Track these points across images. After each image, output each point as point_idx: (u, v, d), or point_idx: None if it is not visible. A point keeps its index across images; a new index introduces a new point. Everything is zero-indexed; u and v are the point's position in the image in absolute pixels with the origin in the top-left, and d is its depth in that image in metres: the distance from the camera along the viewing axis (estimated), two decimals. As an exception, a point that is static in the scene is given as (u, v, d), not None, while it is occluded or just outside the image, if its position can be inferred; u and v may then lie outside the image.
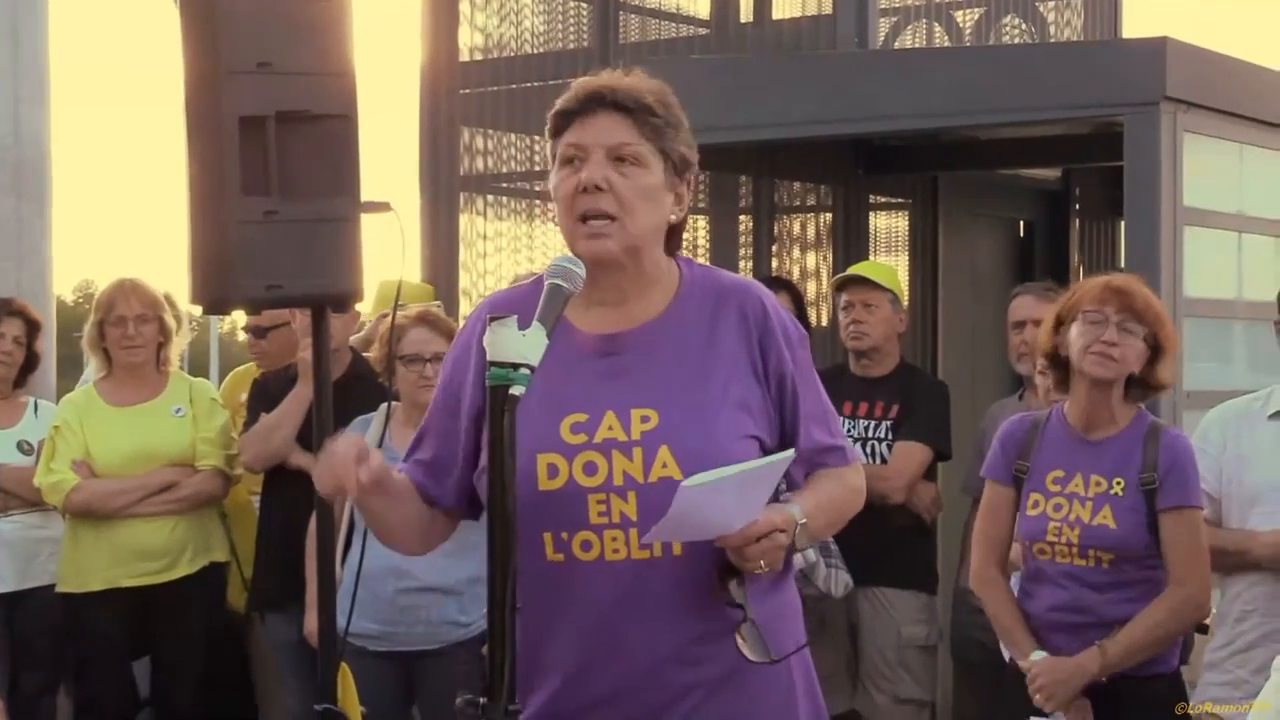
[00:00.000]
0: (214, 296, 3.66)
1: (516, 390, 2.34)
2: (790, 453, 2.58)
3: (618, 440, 2.60)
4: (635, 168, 2.62)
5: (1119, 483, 3.88)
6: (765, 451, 2.68)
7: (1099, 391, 3.93)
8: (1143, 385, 3.96)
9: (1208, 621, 4.32)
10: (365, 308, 6.33)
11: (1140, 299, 3.92)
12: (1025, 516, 3.97)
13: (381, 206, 3.74)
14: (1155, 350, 3.93)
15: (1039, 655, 3.92)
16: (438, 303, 6.18)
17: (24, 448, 5.52)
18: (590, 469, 2.60)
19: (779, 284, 6.02)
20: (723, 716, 2.64)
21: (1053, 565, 3.92)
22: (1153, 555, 3.86)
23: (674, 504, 2.46)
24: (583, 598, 2.61)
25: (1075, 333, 3.93)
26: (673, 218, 2.69)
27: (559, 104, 2.68)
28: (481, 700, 2.34)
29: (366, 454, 2.54)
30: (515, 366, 2.35)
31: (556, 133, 2.67)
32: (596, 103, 2.63)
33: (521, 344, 2.36)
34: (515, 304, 2.55)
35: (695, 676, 2.62)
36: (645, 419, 2.61)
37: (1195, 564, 3.86)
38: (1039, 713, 3.89)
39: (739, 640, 2.59)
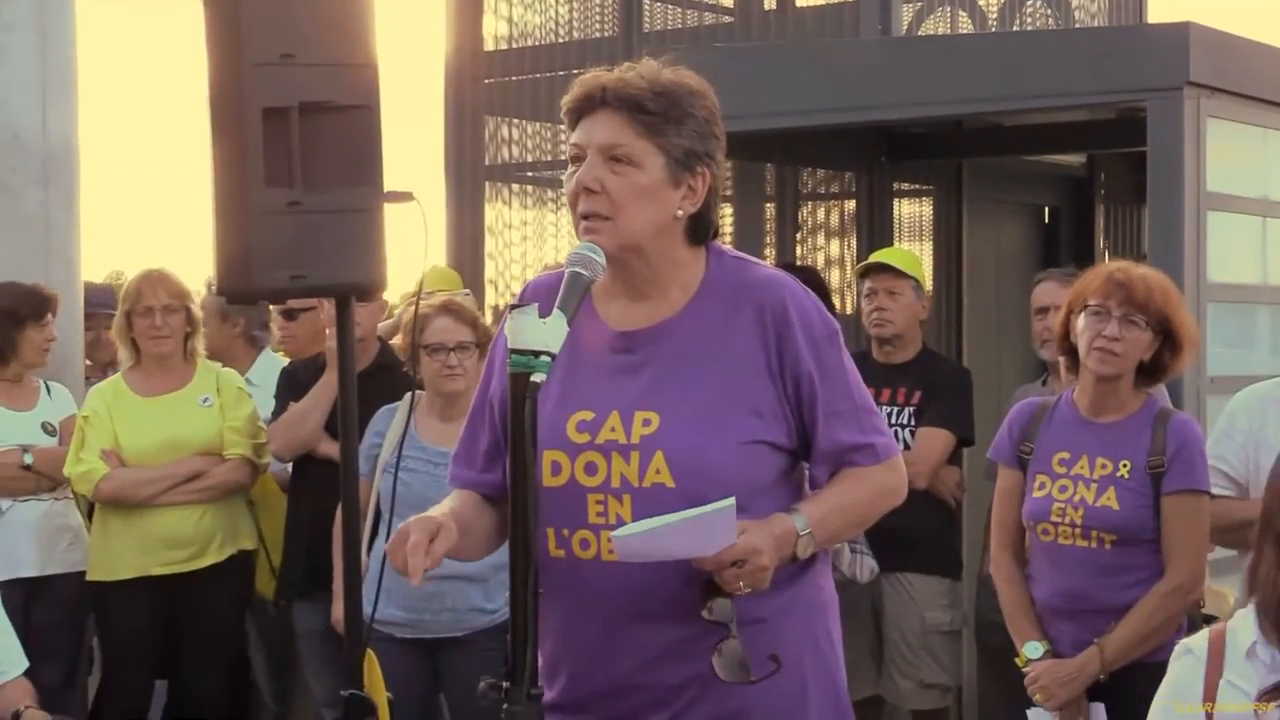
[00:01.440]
0: (238, 287, 3.68)
1: (538, 377, 2.37)
2: (730, 502, 2.52)
3: (618, 442, 2.62)
4: (629, 167, 2.62)
5: (1125, 465, 3.89)
6: (779, 453, 2.67)
7: (1105, 383, 3.94)
8: (1152, 372, 3.96)
9: (1221, 615, 4.33)
10: (396, 297, 6.37)
11: (1142, 291, 3.89)
12: (1031, 497, 4.00)
13: (404, 196, 3.75)
14: (1167, 338, 3.92)
15: (1034, 648, 3.94)
16: (466, 291, 6.19)
17: (48, 429, 5.56)
18: (591, 469, 2.63)
19: (799, 271, 6.03)
20: (722, 709, 2.64)
21: (1056, 546, 3.94)
22: (1157, 540, 3.87)
23: (615, 549, 2.49)
24: (582, 594, 2.64)
25: (1081, 325, 3.94)
26: (680, 212, 2.66)
27: (563, 103, 2.70)
28: (504, 684, 2.37)
29: (436, 534, 2.53)
30: (536, 354, 2.37)
31: (571, 128, 2.70)
32: (593, 102, 2.64)
33: (542, 331, 2.39)
34: (553, 288, 2.56)
35: (691, 671, 2.63)
36: (647, 422, 2.62)
37: (1190, 550, 3.87)
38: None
39: (714, 658, 2.58)
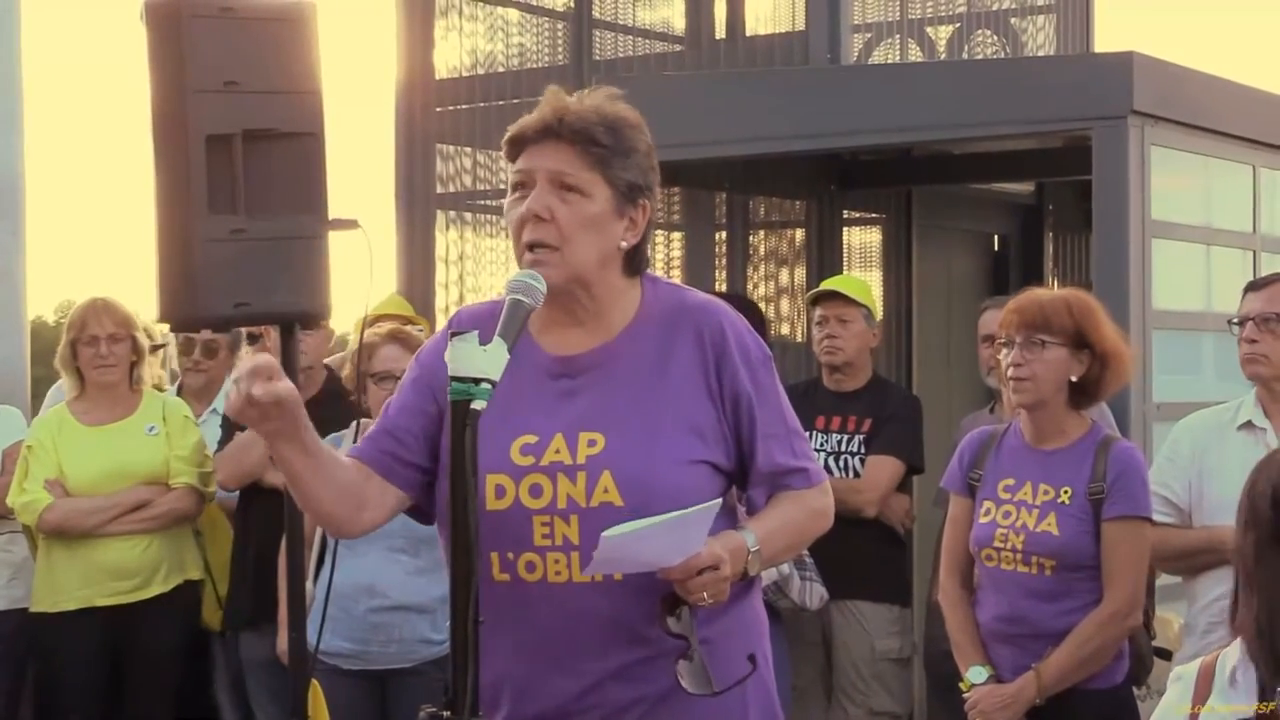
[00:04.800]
0: (181, 315, 3.66)
1: (478, 405, 2.35)
2: (716, 503, 2.56)
3: (563, 463, 2.62)
4: (578, 196, 2.63)
5: (1066, 491, 3.90)
6: (719, 475, 2.70)
7: (1036, 410, 3.96)
8: (1087, 391, 3.96)
9: (1169, 647, 4.35)
10: (349, 325, 6.33)
11: (1035, 312, 3.89)
12: (977, 524, 4.01)
13: (349, 224, 3.74)
14: (1095, 355, 3.92)
15: (977, 673, 3.94)
16: (420, 328, 6.17)
17: None
18: (536, 491, 2.63)
19: (735, 301, 6.04)
20: None
21: (999, 572, 3.95)
22: (1098, 567, 3.87)
23: (598, 550, 2.48)
24: (527, 617, 2.63)
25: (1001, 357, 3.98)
26: (624, 244, 2.69)
27: (509, 131, 2.70)
28: (445, 714, 2.36)
29: (274, 373, 2.45)
30: (476, 381, 2.36)
31: (512, 156, 2.70)
32: (542, 132, 2.65)
33: (482, 359, 2.37)
34: (482, 319, 2.56)
35: (638, 693, 2.64)
36: (592, 443, 2.63)
37: (1127, 576, 3.86)
38: None
39: (679, 672, 2.59)
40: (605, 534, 2.47)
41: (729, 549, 2.59)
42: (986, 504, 3.99)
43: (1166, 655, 4.29)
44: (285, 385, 2.46)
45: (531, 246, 2.62)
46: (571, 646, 2.63)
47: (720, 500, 2.59)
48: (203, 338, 5.75)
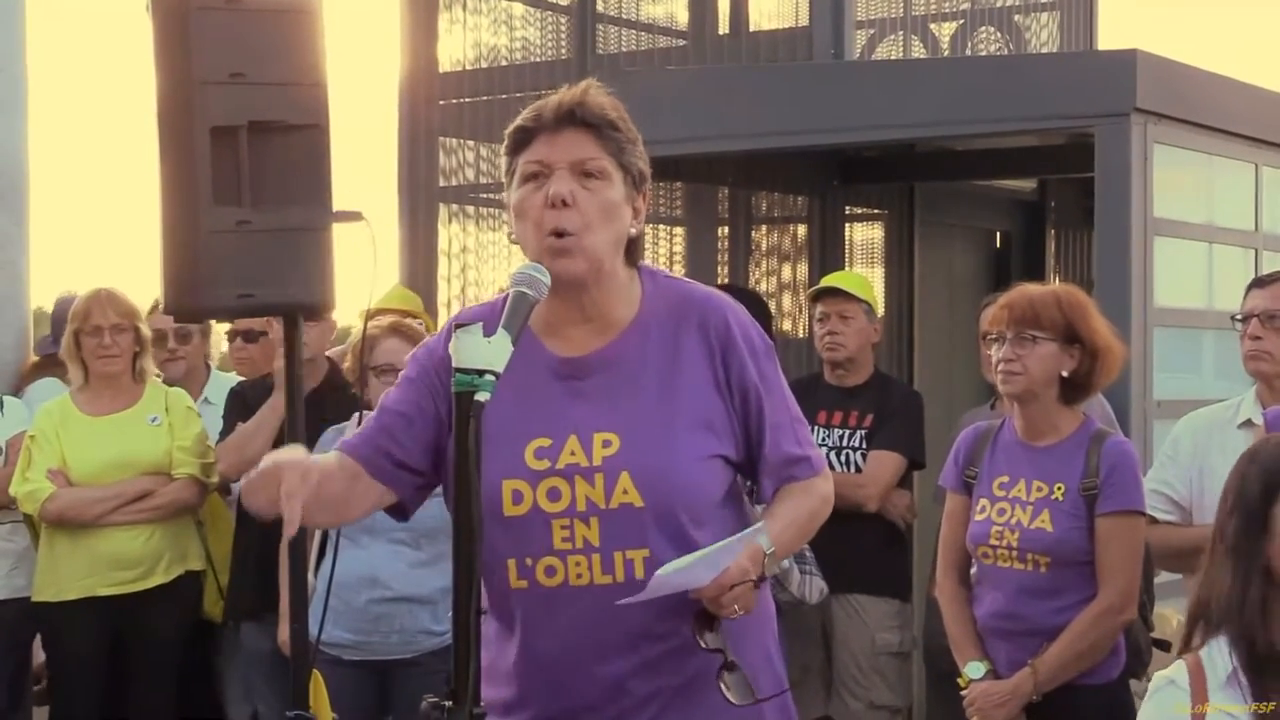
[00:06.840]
0: (186, 305, 3.68)
1: (482, 396, 2.34)
2: (760, 526, 2.59)
3: (580, 466, 2.62)
4: (600, 181, 2.63)
5: (1060, 488, 3.90)
6: (730, 467, 2.71)
7: (1028, 405, 3.96)
8: (1079, 386, 3.97)
9: (1169, 638, 4.34)
10: (353, 317, 6.33)
11: (1025, 307, 3.90)
12: (973, 521, 4.01)
13: (353, 216, 3.75)
14: (1086, 349, 3.92)
15: (975, 668, 3.95)
16: (419, 322, 6.18)
17: None
18: (554, 495, 2.62)
19: (743, 294, 6.05)
20: (687, 718, 2.66)
21: (995, 569, 3.95)
22: (1092, 563, 3.87)
23: (649, 585, 2.49)
24: (548, 622, 2.64)
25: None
26: (632, 231, 2.70)
27: (521, 121, 2.69)
28: (446, 704, 2.36)
29: (311, 475, 2.47)
30: (480, 373, 2.35)
31: (516, 149, 2.68)
32: (562, 119, 2.65)
33: (486, 350, 2.36)
34: (481, 318, 2.56)
35: (658, 685, 2.65)
36: (607, 443, 2.63)
37: (1121, 571, 3.86)
38: None
39: (722, 686, 2.60)
40: (659, 572, 2.49)
41: (750, 556, 2.59)
42: (982, 501, 4.00)
43: (1166, 646, 4.29)
44: (315, 475, 2.46)
45: (553, 235, 2.61)
46: (596, 647, 2.63)
47: (764, 523, 2.60)
48: (174, 327, 5.74)
